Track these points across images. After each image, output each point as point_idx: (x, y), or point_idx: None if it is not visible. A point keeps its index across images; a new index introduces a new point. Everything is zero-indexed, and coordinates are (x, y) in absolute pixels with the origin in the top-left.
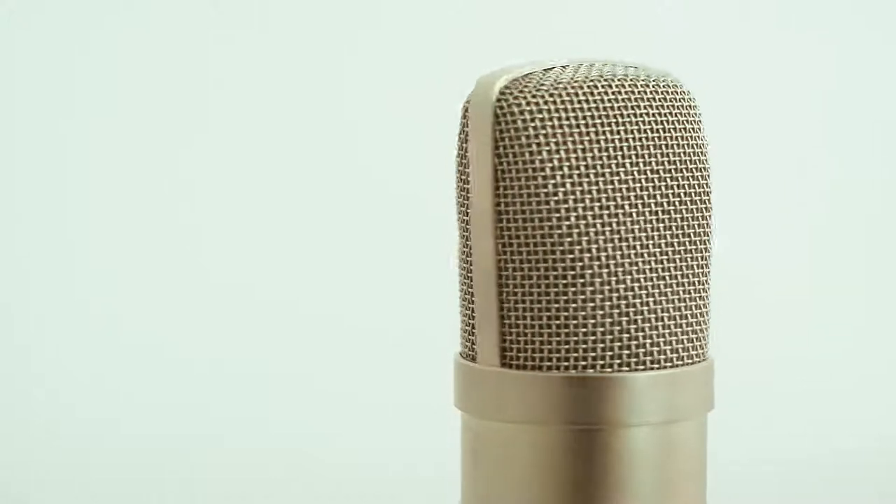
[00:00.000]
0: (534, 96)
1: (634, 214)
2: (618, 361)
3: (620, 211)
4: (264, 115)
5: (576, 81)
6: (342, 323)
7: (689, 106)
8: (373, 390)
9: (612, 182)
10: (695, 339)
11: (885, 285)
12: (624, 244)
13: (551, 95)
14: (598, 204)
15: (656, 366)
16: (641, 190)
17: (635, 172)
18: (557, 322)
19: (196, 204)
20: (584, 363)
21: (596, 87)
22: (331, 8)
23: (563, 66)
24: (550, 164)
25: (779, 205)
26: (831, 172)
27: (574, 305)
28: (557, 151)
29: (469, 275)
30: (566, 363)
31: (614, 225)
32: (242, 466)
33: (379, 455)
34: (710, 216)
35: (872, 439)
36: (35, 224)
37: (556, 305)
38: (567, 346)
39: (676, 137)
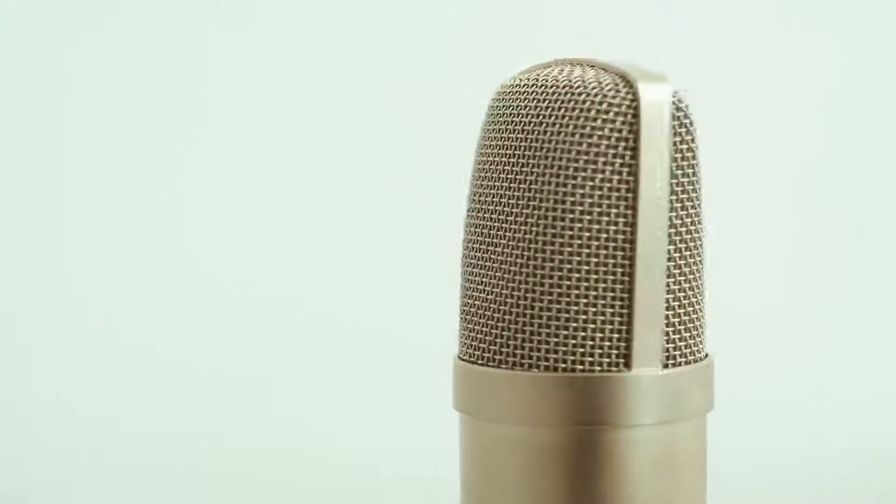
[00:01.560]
0: (684, 100)
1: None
2: (617, 362)
3: (626, 217)
4: (263, 115)
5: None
6: (341, 324)
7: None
8: (372, 391)
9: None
10: (692, 339)
11: (885, 285)
12: (624, 249)
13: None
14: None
15: (655, 366)
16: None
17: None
18: (556, 322)
19: (196, 204)
20: (583, 364)
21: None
22: (330, 8)
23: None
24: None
25: (778, 205)
26: (830, 172)
27: (575, 307)
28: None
29: (475, 277)
30: (565, 364)
31: (615, 230)
32: (242, 466)
33: (378, 455)
34: (701, 218)
35: (872, 440)
36: (35, 224)
37: (556, 306)
38: (566, 347)
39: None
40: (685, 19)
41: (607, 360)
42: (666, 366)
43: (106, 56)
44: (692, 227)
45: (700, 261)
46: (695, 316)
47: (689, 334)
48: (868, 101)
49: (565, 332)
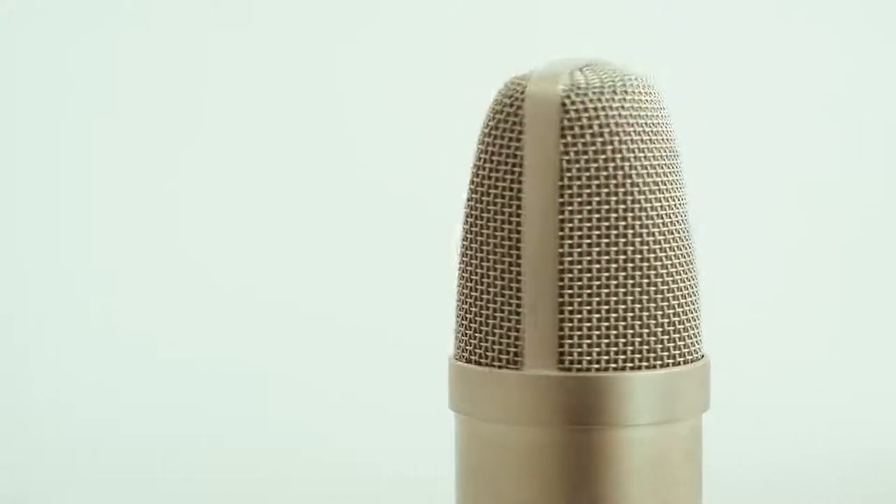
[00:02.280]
0: (596, 94)
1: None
2: (612, 362)
3: (618, 214)
4: (263, 115)
5: (619, 80)
6: (341, 324)
7: (663, 107)
8: (371, 391)
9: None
10: (688, 339)
11: (884, 285)
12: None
13: (608, 93)
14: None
15: (651, 366)
16: (651, 191)
17: (645, 174)
18: (554, 322)
19: (196, 204)
20: (578, 364)
21: (631, 87)
22: (330, 8)
23: (590, 65)
24: (621, 165)
25: (776, 204)
26: (830, 171)
27: (570, 307)
28: (626, 151)
29: (472, 276)
30: (560, 364)
31: (608, 227)
32: (242, 466)
33: (377, 455)
34: (687, 212)
35: (870, 440)
36: (34, 225)
37: (554, 305)
38: (562, 347)
39: (665, 136)
40: (685, 19)
41: (606, 359)
42: (664, 366)
43: (106, 56)
44: (680, 227)
45: (692, 260)
46: (692, 316)
47: (686, 334)
48: (868, 101)
49: (560, 332)
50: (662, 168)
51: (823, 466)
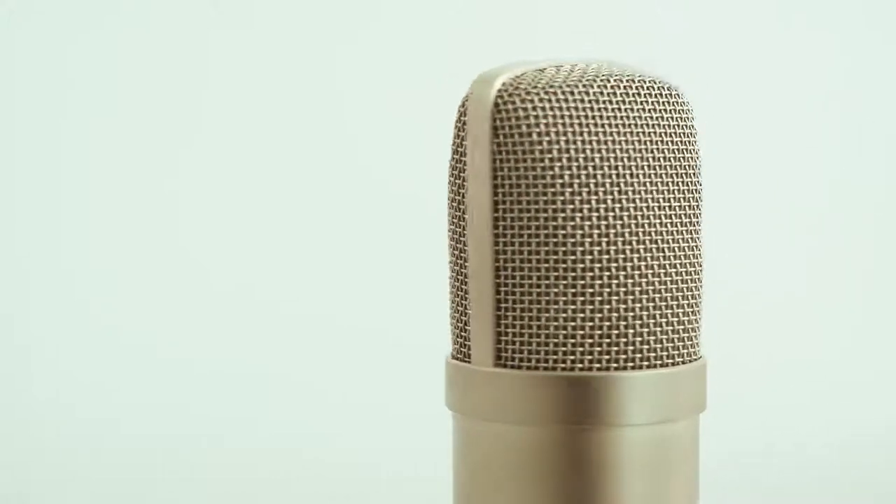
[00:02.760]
0: (529, 94)
1: (627, 216)
2: (610, 361)
3: (614, 213)
4: (262, 116)
5: (572, 81)
6: (340, 324)
7: (679, 107)
8: (371, 391)
9: (605, 182)
10: (687, 339)
11: (881, 285)
12: (612, 246)
13: (547, 94)
14: (595, 206)
15: (649, 366)
16: (630, 190)
17: (628, 175)
18: (551, 322)
19: (195, 205)
20: (576, 363)
21: (591, 86)
22: (329, 8)
23: (557, 66)
24: (551, 165)
25: (775, 204)
26: (829, 172)
27: (567, 306)
28: (557, 151)
29: (463, 275)
30: (558, 363)
31: (606, 227)
32: (242, 466)
33: (377, 455)
34: (700, 214)
35: (870, 439)
36: (34, 225)
37: (550, 305)
38: (559, 347)
39: (668, 138)
40: (686, 19)
41: (603, 359)
42: (661, 366)
43: (106, 56)
44: (685, 230)
45: (695, 261)
46: (691, 316)
47: (684, 334)
48: (870, 101)
49: (558, 332)
50: (625, 166)
51: (820, 466)
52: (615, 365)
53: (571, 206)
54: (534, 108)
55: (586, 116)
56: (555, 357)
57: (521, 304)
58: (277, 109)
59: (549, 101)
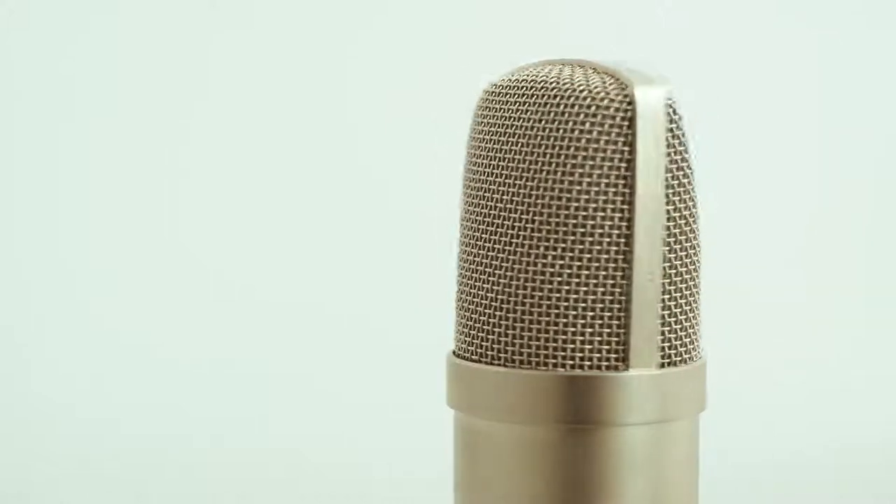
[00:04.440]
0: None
1: (628, 217)
2: (610, 361)
3: (620, 213)
4: (262, 114)
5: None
6: (340, 323)
7: (675, 112)
8: (372, 391)
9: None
10: (686, 339)
11: (881, 285)
12: (621, 244)
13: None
14: (601, 204)
15: (649, 365)
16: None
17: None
18: (552, 321)
19: (195, 204)
20: (576, 362)
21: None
22: (329, 7)
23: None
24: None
25: (775, 205)
26: (832, 171)
27: (566, 304)
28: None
29: (474, 274)
30: (558, 362)
31: (614, 227)
32: (242, 466)
33: (377, 455)
34: (697, 216)
35: (869, 439)
36: (35, 225)
37: (551, 304)
38: (560, 346)
39: (666, 145)
40: (686, 19)
41: (604, 359)
42: (661, 365)
43: (106, 56)
44: (687, 228)
45: (696, 261)
46: (690, 316)
47: (683, 334)
48: (864, 103)
49: (558, 330)
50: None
51: (819, 467)
52: (615, 364)
53: (584, 215)
54: (681, 112)
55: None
56: (557, 356)
57: (528, 303)
58: (277, 109)
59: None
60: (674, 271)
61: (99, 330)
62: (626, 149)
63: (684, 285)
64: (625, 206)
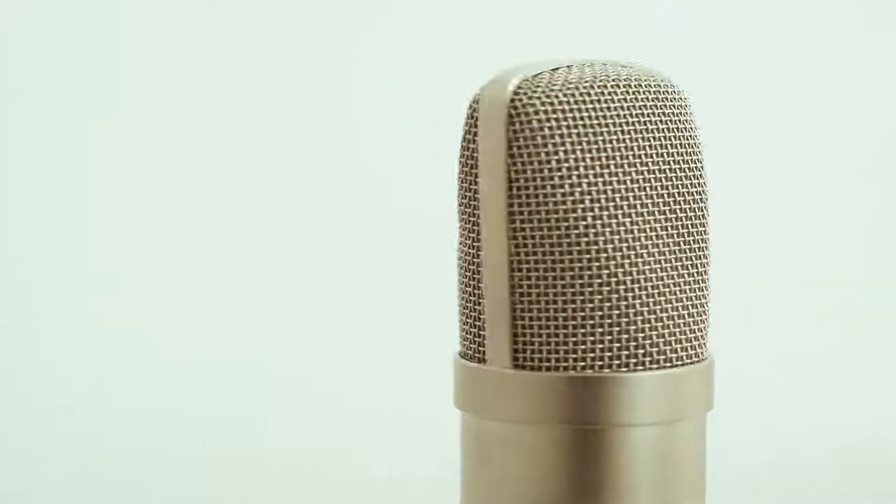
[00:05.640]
0: (548, 96)
1: (635, 215)
2: (618, 361)
3: (623, 212)
4: (262, 114)
5: (585, 82)
6: (341, 324)
7: (684, 107)
8: (372, 391)
9: (619, 183)
10: (694, 339)
11: (886, 284)
12: (625, 245)
13: (565, 95)
14: (605, 205)
15: (656, 365)
16: (643, 191)
17: (633, 173)
18: (558, 322)
19: (195, 205)
20: (584, 363)
21: (605, 87)
22: (329, 8)
23: (567, 67)
24: (566, 165)
25: (778, 205)
26: (833, 171)
27: (574, 306)
28: (572, 152)
29: (475, 275)
30: (566, 363)
31: (617, 226)
32: (242, 466)
33: (378, 455)
34: (707, 216)
35: (871, 439)
36: (35, 225)
37: (558, 306)
38: (567, 347)
39: (675, 139)
40: (686, 19)
41: (607, 359)
42: (672, 364)
43: (106, 56)
44: (693, 229)
45: (702, 260)
46: (697, 316)
47: (691, 334)
48: (865, 103)
49: (565, 332)
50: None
51: (827, 466)
52: (623, 365)
53: (591, 215)
54: (553, 114)
55: (604, 117)
56: (564, 357)
57: (535, 305)
58: (278, 109)
59: (568, 104)
60: (679, 273)
61: (99, 330)
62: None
63: (691, 286)
64: (623, 206)
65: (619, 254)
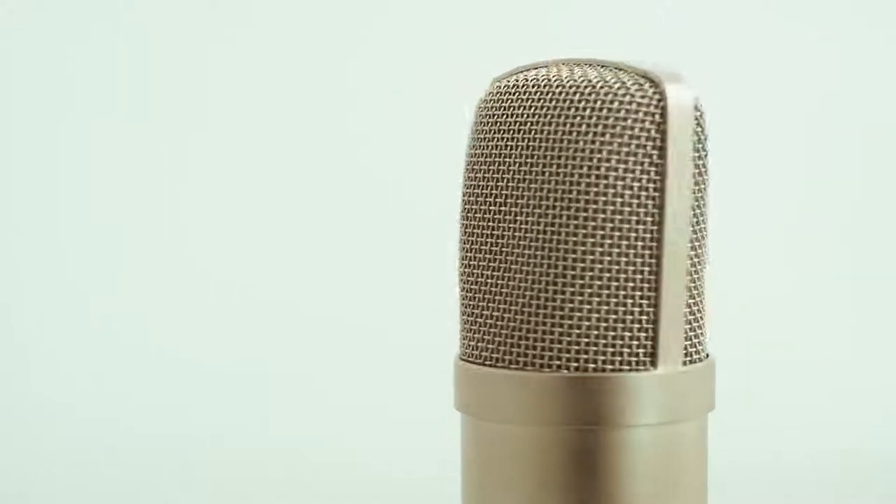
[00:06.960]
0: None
1: (635, 217)
2: (618, 362)
3: (623, 213)
4: (264, 116)
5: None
6: (341, 324)
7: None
8: (372, 391)
9: (622, 185)
10: (694, 339)
11: (888, 284)
12: (625, 245)
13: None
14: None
15: (656, 366)
16: (645, 193)
17: (637, 172)
18: (558, 322)
19: (196, 205)
20: (584, 364)
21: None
22: (330, 8)
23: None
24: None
25: (779, 205)
26: (834, 170)
27: (572, 306)
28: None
29: (479, 279)
30: (567, 364)
31: (622, 224)
32: (242, 466)
33: (378, 456)
34: (705, 215)
35: (871, 440)
36: (35, 225)
37: (557, 305)
38: (568, 347)
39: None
40: (686, 18)
41: (607, 360)
42: (684, 363)
43: (106, 56)
44: (698, 228)
45: (704, 261)
46: (697, 315)
47: (692, 334)
48: (864, 104)
49: (566, 332)
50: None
51: (827, 466)
52: (624, 365)
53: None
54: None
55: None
56: (565, 358)
57: (535, 305)
58: (279, 110)
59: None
60: (692, 269)
61: (99, 330)
62: (657, 151)
63: (692, 285)
64: (656, 208)
65: (607, 256)
